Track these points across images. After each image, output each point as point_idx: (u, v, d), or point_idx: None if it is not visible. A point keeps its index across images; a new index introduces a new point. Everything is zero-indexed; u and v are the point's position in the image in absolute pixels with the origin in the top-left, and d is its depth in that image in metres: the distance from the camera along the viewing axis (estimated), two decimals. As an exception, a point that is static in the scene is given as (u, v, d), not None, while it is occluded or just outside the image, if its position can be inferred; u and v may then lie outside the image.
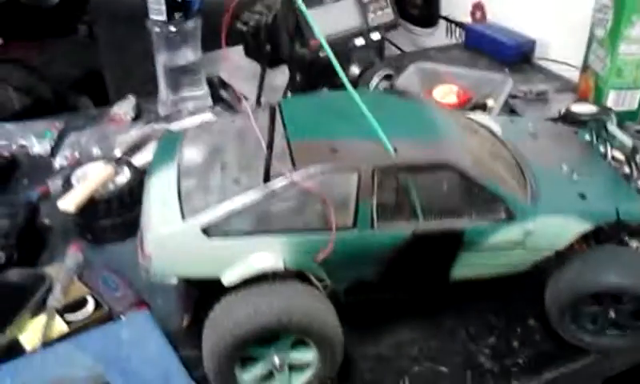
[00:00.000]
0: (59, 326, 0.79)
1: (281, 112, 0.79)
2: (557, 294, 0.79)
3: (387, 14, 1.27)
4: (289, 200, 0.70)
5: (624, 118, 1.22)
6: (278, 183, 0.70)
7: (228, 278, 0.71)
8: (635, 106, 1.28)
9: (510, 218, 0.75)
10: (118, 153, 1.15)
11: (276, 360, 0.72)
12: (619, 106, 1.27)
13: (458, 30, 1.85)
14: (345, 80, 0.70)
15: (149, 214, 0.72)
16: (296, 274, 0.73)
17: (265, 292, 0.70)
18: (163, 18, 1.24)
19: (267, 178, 0.70)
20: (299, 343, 0.72)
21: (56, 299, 0.82)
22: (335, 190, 0.71)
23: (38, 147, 1.23)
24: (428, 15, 2.00)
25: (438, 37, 1.97)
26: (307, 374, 0.74)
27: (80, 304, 0.82)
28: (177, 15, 1.25)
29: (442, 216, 0.73)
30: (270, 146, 0.70)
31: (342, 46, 1.18)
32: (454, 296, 0.91)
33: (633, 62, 1.23)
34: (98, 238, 1.00)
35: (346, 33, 1.20)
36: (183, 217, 0.70)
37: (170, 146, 0.82)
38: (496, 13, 1.73)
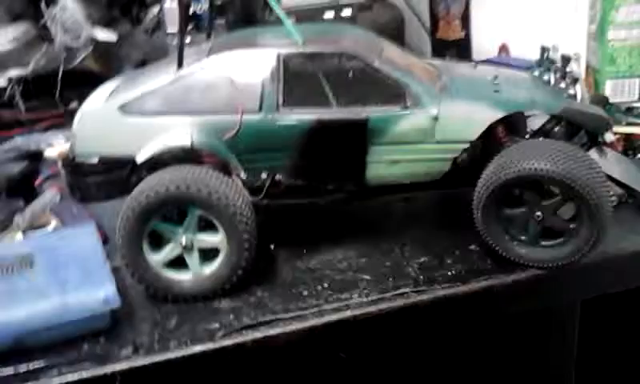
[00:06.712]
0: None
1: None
2: (478, 193, 0.76)
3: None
4: (199, 85, 0.77)
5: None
6: (188, 69, 0.77)
7: (141, 156, 0.76)
8: (636, 97, 1.24)
9: (415, 104, 0.76)
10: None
11: (183, 239, 0.75)
12: (618, 98, 1.23)
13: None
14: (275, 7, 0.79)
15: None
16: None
17: (173, 169, 0.75)
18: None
19: (180, 64, 0.77)
20: (208, 228, 0.75)
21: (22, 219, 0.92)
22: (242, 75, 0.76)
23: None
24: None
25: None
26: (217, 260, 0.76)
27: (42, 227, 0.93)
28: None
29: (347, 105, 0.76)
30: (182, 37, 0.77)
31: (311, 18, 1.25)
32: (395, 218, 0.91)
33: (624, 48, 1.21)
34: (84, 197, 1.09)
35: (317, 5, 1.27)
36: (106, 100, 0.79)
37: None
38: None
